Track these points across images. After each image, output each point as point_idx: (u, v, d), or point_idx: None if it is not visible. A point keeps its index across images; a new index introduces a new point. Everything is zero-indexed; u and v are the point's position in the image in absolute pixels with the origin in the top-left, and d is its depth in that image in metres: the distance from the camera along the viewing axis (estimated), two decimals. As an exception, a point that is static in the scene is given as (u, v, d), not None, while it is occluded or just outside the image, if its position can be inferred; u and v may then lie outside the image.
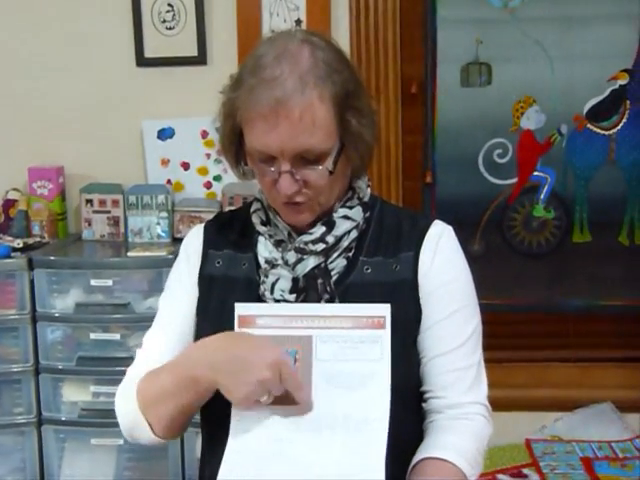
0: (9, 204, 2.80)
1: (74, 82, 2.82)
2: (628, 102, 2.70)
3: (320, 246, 1.42)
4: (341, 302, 1.40)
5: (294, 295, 1.42)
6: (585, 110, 2.70)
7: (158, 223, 2.75)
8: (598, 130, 2.72)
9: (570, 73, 2.69)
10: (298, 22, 2.71)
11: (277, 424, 1.31)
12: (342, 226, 1.43)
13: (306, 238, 1.42)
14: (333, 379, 1.32)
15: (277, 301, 1.42)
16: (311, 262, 1.42)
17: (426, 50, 2.71)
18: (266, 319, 1.36)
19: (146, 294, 2.53)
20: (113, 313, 2.54)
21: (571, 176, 2.75)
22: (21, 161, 2.80)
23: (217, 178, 2.80)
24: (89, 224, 2.80)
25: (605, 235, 2.77)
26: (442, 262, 1.45)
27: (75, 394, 2.58)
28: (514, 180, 2.76)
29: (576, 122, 2.72)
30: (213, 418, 1.44)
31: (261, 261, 1.46)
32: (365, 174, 1.51)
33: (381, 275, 1.42)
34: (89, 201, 2.80)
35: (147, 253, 2.59)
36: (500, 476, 2.53)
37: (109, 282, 2.53)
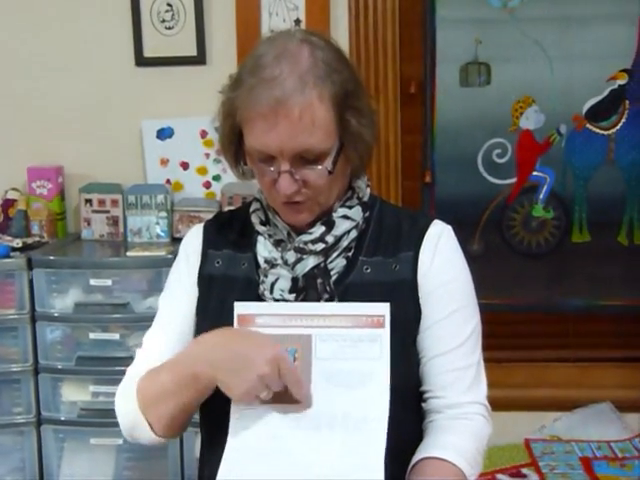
0: (8, 204, 2.80)
1: (73, 82, 2.82)
2: (627, 102, 2.70)
3: (319, 246, 1.42)
4: (340, 302, 1.40)
5: (294, 295, 1.42)
6: (584, 110, 2.71)
7: (157, 223, 2.75)
8: (597, 130, 2.72)
9: (569, 73, 2.69)
10: (297, 22, 2.71)
11: (276, 423, 1.31)
12: (342, 226, 1.43)
13: (305, 238, 1.43)
14: (332, 378, 1.32)
15: (277, 301, 1.42)
16: (310, 262, 1.42)
17: (425, 50, 2.71)
18: (265, 318, 1.36)
19: (145, 294, 2.53)
20: (112, 313, 2.53)
21: (570, 176, 2.75)
22: (20, 161, 2.80)
23: (216, 178, 2.80)
24: (88, 224, 2.80)
25: (604, 235, 2.77)
26: (442, 262, 1.45)
27: (74, 394, 2.58)
28: (513, 180, 2.76)
29: (575, 122, 2.72)
30: (212, 418, 1.44)
31: (260, 261, 1.46)
32: (365, 174, 1.51)
33: (381, 275, 1.42)
34: (88, 201, 2.80)
35: (146, 253, 2.59)
36: (499, 476, 2.53)
37: (108, 282, 2.53)
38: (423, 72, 2.72)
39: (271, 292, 1.43)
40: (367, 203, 1.48)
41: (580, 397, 2.77)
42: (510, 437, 2.64)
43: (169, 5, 2.75)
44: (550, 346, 2.87)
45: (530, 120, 2.72)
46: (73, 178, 2.84)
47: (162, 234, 2.75)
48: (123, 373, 1.49)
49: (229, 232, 1.52)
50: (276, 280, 1.43)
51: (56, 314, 2.55)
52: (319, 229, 1.43)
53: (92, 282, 2.53)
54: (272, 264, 1.43)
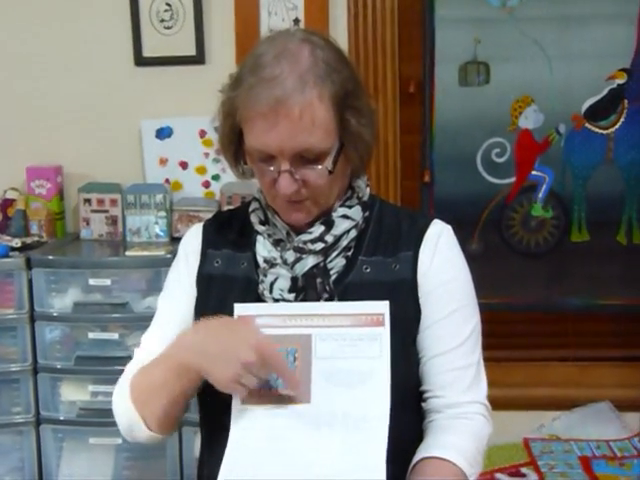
0: (7, 203, 2.80)
1: (72, 81, 2.81)
2: (626, 101, 2.70)
3: (319, 245, 1.42)
4: (340, 301, 1.40)
5: (293, 294, 1.42)
6: (583, 109, 2.71)
7: (156, 222, 2.75)
8: (596, 129, 2.72)
9: (568, 72, 2.69)
10: (296, 21, 2.71)
11: (277, 422, 1.31)
12: (341, 225, 1.43)
13: (305, 237, 1.43)
14: (332, 377, 1.32)
15: (276, 300, 1.42)
16: (310, 261, 1.42)
17: (424, 49, 2.71)
18: (265, 319, 1.36)
19: (144, 293, 2.53)
20: (111, 312, 2.53)
21: (569, 175, 2.75)
22: (19, 160, 2.80)
23: (215, 177, 2.79)
24: (87, 223, 2.80)
25: (603, 234, 2.77)
26: (441, 261, 1.45)
27: (73, 393, 2.58)
28: (512, 179, 2.76)
29: (574, 121, 2.72)
30: (212, 417, 1.44)
31: (260, 260, 1.46)
32: (364, 173, 1.51)
33: (380, 274, 1.43)
34: (87, 200, 2.79)
35: (145, 252, 2.58)
36: (498, 475, 2.53)
37: (107, 281, 2.53)
38: (422, 72, 2.72)
39: (270, 292, 1.43)
40: (367, 203, 1.48)
41: (579, 396, 2.77)
42: (509, 436, 2.64)
43: (168, 5, 2.75)
44: (549, 345, 2.87)
45: (529, 119, 2.72)
46: (72, 178, 2.83)
47: (161, 234, 2.75)
48: (122, 373, 1.49)
49: (228, 232, 1.52)
50: (275, 280, 1.43)
51: (55, 314, 2.55)
52: (318, 229, 1.43)
53: (91, 282, 2.53)
54: (271, 264, 1.44)
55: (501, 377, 2.48)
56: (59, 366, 2.55)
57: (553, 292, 2.81)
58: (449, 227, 1.50)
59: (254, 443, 1.30)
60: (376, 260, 1.44)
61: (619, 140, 2.71)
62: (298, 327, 1.35)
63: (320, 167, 1.35)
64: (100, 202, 2.79)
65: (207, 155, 2.78)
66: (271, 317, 1.36)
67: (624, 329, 2.84)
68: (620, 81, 2.68)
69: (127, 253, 2.59)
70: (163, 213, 2.74)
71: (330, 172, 1.36)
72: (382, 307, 1.34)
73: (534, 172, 2.75)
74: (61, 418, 2.57)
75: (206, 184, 2.81)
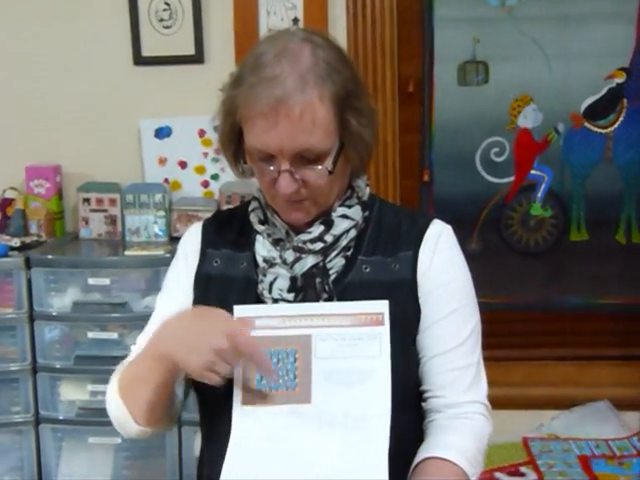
0: (6, 203, 2.80)
1: (72, 81, 2.81)
2: (625, 100, 2.70)
3: (318, 245, 1.42)
4: (339, 301, 1.40)
5: (292, 294, 1.42)
6: (582, 108, 2.71)
7: (155, 222, 2.75)
8: (595, 129, 2.72)
9: (567, 72, 2.69)
10: (295, 21, 2.71)
11: (278, 422, 1.31)
12: (341, 225, 1.43)
13: (304, 237, 1.42)
14: (332, 377, 1.32)
15: (275, 300, 1.42)
16: (309, 261, 1.42)
17: (423, 49, 2.71)
18: (265, 320, 1.36)
19: (144, 293, 2.53)
20: (111, 312, 2.53)
21: (568, 174, 2.75)
22: (18, 160, 2.79)
23: (214, 177, 2.79)
24: (86, 223, 2.80)
25: (602, 233, 2.78)
26: (441, 261, 1.44)
27: (73, 393, 2.58)
28: (511, 179, 2.76)
29: (573, 121, 2.72)
30: (212, 418, 1.44)
31: (259, 260, 1.45)
32: (364, 173, 1.50)
33: (380, 274, 1.42)
34: (86, 200, 2.79)
35: (144, 252, 2.58)
36: (498, 474, 2.53)
37: (106, 281, 2.53)
38: (421, 71, 2.73)
39: (270, 291, 1.42)
40: (366, 202, 1.48)
41: (578, 395, 2.77)
42: (508, 436, 2.64)
43: (167, 4, 2.75)
44: (548, 344, 2.87)
45: (528, 119, 2.72)
46: (71, 177, 2.83)
47: (160, 233, 2.75)
48: (120, 372, 1.50)
49: (228, 231, 1.52)
50: (275, 279, 1.43)
51: (54, 313, 2.55)
52: (318, 228, 1.43)
53: (90, 281, 2.53)
54: (271, 263, 1.43)
55: (500, 376, 2.47)
56: (58, 366, 2.56)
57: (552, 291, 2.81)
58: (449, 227, 1.50)
59: (255, 443, 1.30)
60: (376, 260, 1.43)
61: (618, 139, 2.72)
62: (298, 328, 1.35)
63: (320, 167, 1.35)
64: (99, 202, 2.78)
65: (206, 155, 2.78)
66: (270, 318, 1.36)
67: (623, 328, 2.85)
68: (619, 80, 2.69)
69: (126, 253, 2.59)
70: (162, 213, 2.74)
71: (330, 172, 1.36)
72: (381, 306, 1.34)
73: (533, 171, 2.76)
74: (60, 418, 2.58)
75: (205, 184, 2.81)
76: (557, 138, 2.73)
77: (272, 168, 1.35)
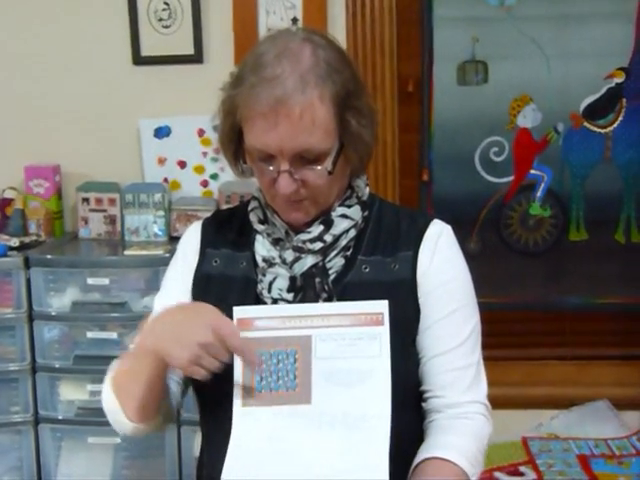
0: (5, 203, 2.80)
1: (71, 81, 2.81)
2: (624, 100, 2.70)
3: (318, 245, 1.42)
4: (339, 301, 1.40)
5: (292, 294, 1.42)
6: (581, 108, 2.71)
7: (155, 222, 2.75)
8: (594, 128, 2.72)
9: (566, 71, 2.69)
10: (295, 20, 2.71)
11: (278, 423, 1.31)
12: (340, 225, 1.43)
13: (304, 237, 1.42)
14: (332, 377, 1.32)
15: (275, 300, 1.42)
16: (309, 261, 1.42)
17: (422, 48, 2.71)
18: (264, 321, 1.36)
19: (143, 293, 2.53)
20: (110, 312, 2.53)
21: (567, 174, 2.76)
22: (17, 160, 2.79)
23: (214, 176, 2.79)
24: (86, 223, 2.80)
25: (601, 233, 2.78)
26: (441, 261, 1.44)
27: (72, 393, 2.58)
28: (510, 178, 2.76)
29: (572, 120, 2.72)
30: (212, 418, 1.44)
31: (259, 260, 1.45)
32: (364, 173, 1.50)
33: (379, 274, 1.42)
34: (86, 200, 2.79)
35: (144, 252, 2.58)
36: (497, 474, 2.53)
37: (106, 281, 2.53)
38: (420, 70, 2.73)
39: (269, 291, 1.42)
40: (366, 202, 1.48)
41: (577, 395, 2.77)
42: (508, 435, 2.64)
43: (166, 4, 2.75)
44: (547, 344, 2.87)
45: (527, 118, 2.72)
46: (70, 177, 2.83)
47: (159, 233, 2.75)
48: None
49: (228, 231, 1.52)
50: (274, 279, 1.43)
51: (53, 313, 2.55)
52: (317, 228, 1.43)
53: (89, 281, 2.53)
54: (270, 263, 1.43)
55: (499, 376, 2.46)
56: (57, 365, 2.56)
57: (551, 291, 2.81)
58: (449, 227, 1.50)
59: (255, 443, 1.30)
60: (375, 260, 1.43)
61: (617, 139, 2.72)
62: (297, 328, 1.35)
63: (320, 167, 1.35)
64: (98, 201, 2.78)
65: (205, 154, 2.78)
66: (270, 319, 1.36)
67: (622, 328, 2.85)
68: (618, 80, 2.69)
69: (125, 252, 2.59)
70: (161, 212, 2.74)
71: (330, 173, 1.36)
72: (381, 306, 1.34)
73: (532, 171, 2.76)
74: (60, 417, 2.58)
75: (204, 183, 2.81)
76: (556, 138, 2.73)
77: (272, 168, 1.35)
